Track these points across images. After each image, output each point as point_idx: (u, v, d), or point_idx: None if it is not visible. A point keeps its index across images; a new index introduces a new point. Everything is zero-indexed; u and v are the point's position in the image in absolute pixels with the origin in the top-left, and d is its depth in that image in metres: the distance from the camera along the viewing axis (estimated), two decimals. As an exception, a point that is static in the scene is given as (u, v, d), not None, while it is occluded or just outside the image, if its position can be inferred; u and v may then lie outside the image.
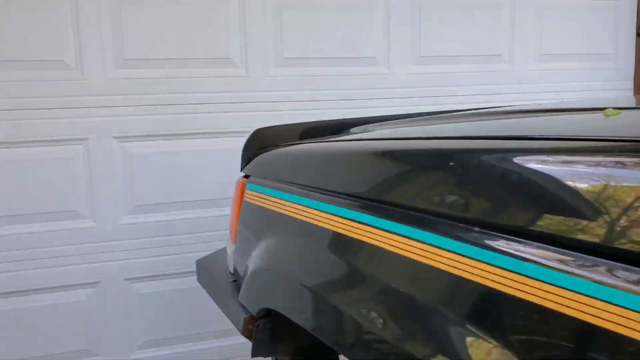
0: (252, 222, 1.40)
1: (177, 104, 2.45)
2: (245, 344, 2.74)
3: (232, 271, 1.46)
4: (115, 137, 2.40)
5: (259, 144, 1.55)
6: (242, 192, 1.44)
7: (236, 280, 1.45)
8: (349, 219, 1.08)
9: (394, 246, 0.96)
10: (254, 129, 1.71)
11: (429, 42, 2.79)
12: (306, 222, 1.17)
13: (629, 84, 3.19)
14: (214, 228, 2.56)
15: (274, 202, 1.29)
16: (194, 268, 2.55)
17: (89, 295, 2.45)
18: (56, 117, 2.32)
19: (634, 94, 3.19)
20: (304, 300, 1.15)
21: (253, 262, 1.30)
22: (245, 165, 1.54)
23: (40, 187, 2.33)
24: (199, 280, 1.74)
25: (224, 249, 1.79)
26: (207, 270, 1.64)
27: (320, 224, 1.14)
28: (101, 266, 2.45)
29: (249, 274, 1.31)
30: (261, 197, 1.34)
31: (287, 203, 1.24)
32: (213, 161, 2.53)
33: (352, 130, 1.63)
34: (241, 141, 2.56)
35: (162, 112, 2.44)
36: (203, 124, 2.50)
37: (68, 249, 2.39)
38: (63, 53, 2.31)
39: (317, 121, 1.81)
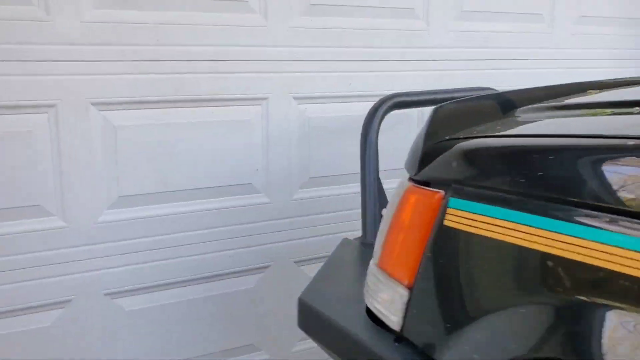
0: (469, 263, 0.86)
1: (176, 59, 1.83)
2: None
3: (398, 327, 0.93)
4: (93, 104, 1.74)
5: (451, 129, 1.00)
6: (435, 211, 0.89)
7: (401, 340, 0.92)
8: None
9: None
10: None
11: (472, -7, 2.32)
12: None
13: (657, 52, 2.91)
14: (222, 223, 1.98)
15: (542, 237, 0.76)
16: (193, 275, 1.99)
17: (57, 318, 1.80)
18: (9, 74, 1.63)
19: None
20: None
21: (491, 333, 0.78)
22: (423, 166, 0.97)
23: (-14, 173, 1.65)
24: (304, 326, 1.17)
25: (338, 282, 1.25)
26: (327, 317, 1.08)
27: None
28: (74, 279, 1.80)
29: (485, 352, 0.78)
30: (497, 226, 0.80)
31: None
32: (221, 136, 1.94)
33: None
34: (256, 110, 2.00)
35: (156, 71, 1.80)
36: (209, 88, 1.89)
37: (28, 258, 1.73)
38: (19, -19, 1.61)
39: (512, 91, 1.29)
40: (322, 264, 2.20)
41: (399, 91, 1.68)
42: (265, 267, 2.11)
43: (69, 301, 1.81)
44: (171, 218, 1.91)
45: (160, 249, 1.91)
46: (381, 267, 0.99)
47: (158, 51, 1.79)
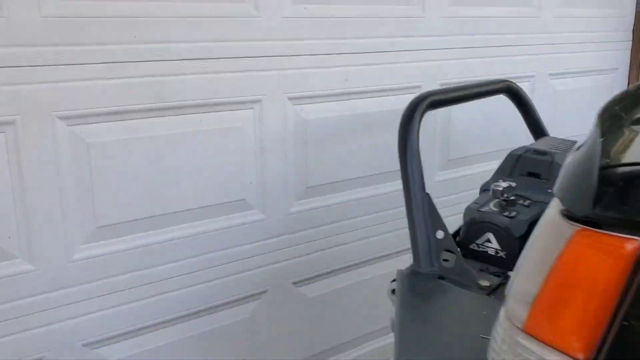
0: None
1: (157, 59, 1.52)
2: None
3: None
4: (60, 118, 1.41)
5: (625, 146, 0.78)
6: (630, 266, 0.67)
7: None
8: None
9: None
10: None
11: (465, -24, 2.13)
12: None
13: (629, 35, 2.85)
14: (213, 247, 1.71)
15: None
16: (183, 311, 1.71)
17: (27, 382, 1.47)
18: (-51, 85, 1.28)
19: (632, 47, 2.86)
20: None
21: None
22: (598, 201, 0.71)
23: None
24: None
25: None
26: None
27: None
28: (45, 332, 1.48)
29: None
30: None
31: None
32: (211, 148, 1.65)
33: None
34: (248, 115, 1.71)
35: (134, 74, 1.49)
36: (196, 92, 1.59)
37: (-13, 313, 1.39)
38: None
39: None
40: (322, 282, 1.98)
41: (434, 89, 1.46)
42: (262, 293, 1.85)
43: (40, 359, 1.48)
44: (156, 248, 1.61)
45: (144, 285, 1.61)
46: (532, 332, 0.77)
47: (135, 50, 1.48)
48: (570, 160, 0.82)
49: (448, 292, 1.17)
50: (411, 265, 1.26)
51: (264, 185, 1.77)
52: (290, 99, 1.77)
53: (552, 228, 0.79)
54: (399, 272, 1.23)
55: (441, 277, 1.22)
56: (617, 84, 2.86)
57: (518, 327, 0.79)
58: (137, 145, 1.53)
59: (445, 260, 1.26)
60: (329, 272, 1.98)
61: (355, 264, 2.04)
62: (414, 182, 1.29)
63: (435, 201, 2.14)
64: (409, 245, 2.13)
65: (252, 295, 1.83)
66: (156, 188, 1.58)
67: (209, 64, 1.59)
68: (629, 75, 2.89)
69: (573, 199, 0.77)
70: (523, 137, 2.26)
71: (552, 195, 1.44)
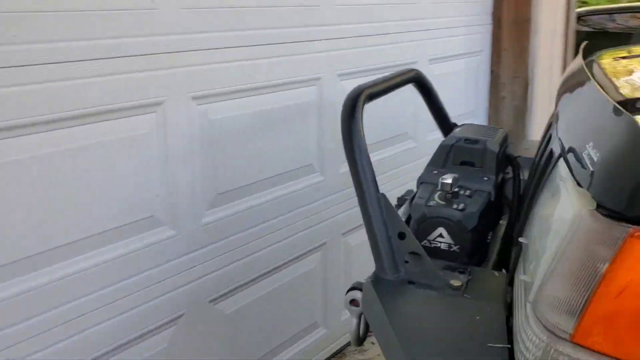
0: None
1: (44, 62, 1.27)
2: None
3: None
4: None
5: None
6: None
7: None
8: None
9: None
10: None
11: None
12: None
13: (489, 18, 2.99)
14: (121, 276, 1.50)
15: None
16: (93, 354, 1.47)
17: None
18: None
19: (493, 30, 3.01)
20: None
21: None
22: None
23: None
24: None
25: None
26: None
27: None
28: None
29: None
30: None
31: None
32: (111, 161, 1.43)
33: None
34: (150, 120, 1.50)
35: (15, 82, 1.23)
36: (91, 98, 1.36)
37: None
38: None
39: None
40: (237, 295, 1.82)
41: (365, 83, 1.36)
42: (178, 317, 1.66)
43: None
44: (58, 285, 1.36)
45: (47, 331, 1.36)
46: (584, 343, 0.71)
47: (16, 52, 1.22)
48: (608, 159, 0.78)
49: (423, 297, 1.10)
50: (374, 273, 1.17)
51: (172, 198, 1.58)
52: (194, 98, 1.59)
53: (590, 230, 0.74)
54: (365, 283, 1.13)
55: (410, 282, 1.14)
56: (482, 66, 3.00)
57: (563, 338, 0.74)
58: (27, 167, 1.27)
59: (406, 262, 1.19)
60: (245, 284, 1.84)
61: (269, 271, 1.92)
62: (367, 183, 1.19)
63: (343, 194, 2.08)
64: (321, 241, 2.08)
65: (168, 322, 1.63)
66: (52, 216, 1.32)
67: (102, 65, 1.37)
68: (491, 57, 3.04)
69: (622, 200, 0.72)
70: (410, 123, 2.26)
71: (489, 182, 1.43)
